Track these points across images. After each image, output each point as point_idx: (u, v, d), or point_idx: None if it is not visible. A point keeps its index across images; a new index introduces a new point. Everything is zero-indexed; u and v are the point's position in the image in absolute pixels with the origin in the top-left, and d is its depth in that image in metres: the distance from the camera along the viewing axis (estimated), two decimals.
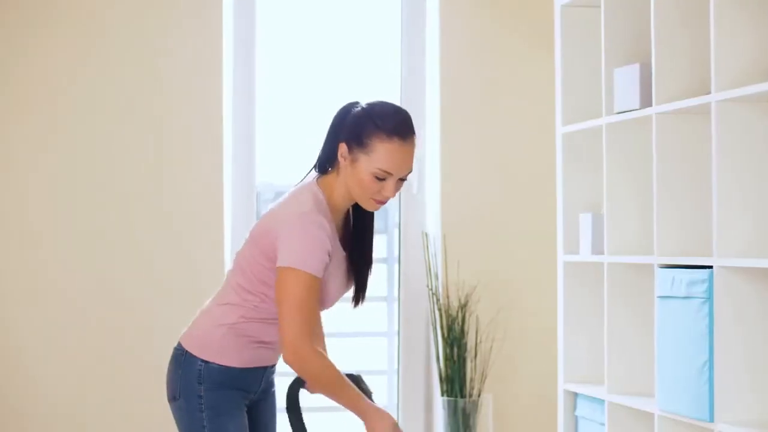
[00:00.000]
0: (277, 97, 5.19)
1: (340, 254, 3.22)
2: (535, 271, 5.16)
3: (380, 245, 5.36)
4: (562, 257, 4.58)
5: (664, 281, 3.84)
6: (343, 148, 3.15)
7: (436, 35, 5.16)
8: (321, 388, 3.16)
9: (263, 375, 3.31)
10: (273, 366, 3.36)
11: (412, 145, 3.14)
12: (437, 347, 5.05)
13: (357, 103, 3.20)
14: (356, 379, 3.32)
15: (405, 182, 3.19)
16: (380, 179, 3.11)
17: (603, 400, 4.28)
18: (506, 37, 5.20)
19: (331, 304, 3.28)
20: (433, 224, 5.21)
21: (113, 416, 4.90)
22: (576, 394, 4.54)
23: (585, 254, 4.43)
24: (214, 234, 4.95)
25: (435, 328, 5.07)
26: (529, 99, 5.20)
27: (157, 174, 4.94)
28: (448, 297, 5.06)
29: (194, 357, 3.25)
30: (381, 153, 3.10)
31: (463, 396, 5.01)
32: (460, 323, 5.03)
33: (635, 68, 4.09)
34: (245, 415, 3.28)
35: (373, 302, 5.30)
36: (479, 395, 5.04)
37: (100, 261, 4.91)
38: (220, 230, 4.96)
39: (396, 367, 5.28)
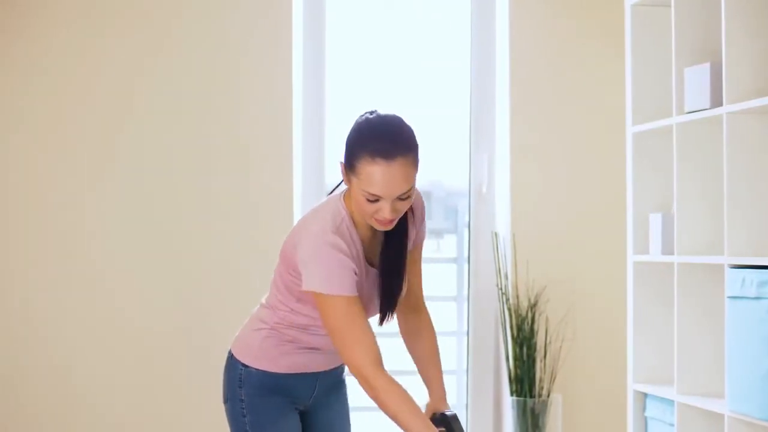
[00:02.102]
0: (346, 97, 5.21)
1: (367, 270, 3.11)
2: (604, 271, 5.14)
3: (450, 245, 5.37)
4: (631, 257, 4.56)
5: (735, 281, 3.81)
6: (341, 167, 3.03)
7: (506, 35, 5.15)
8: (390, 413, 2.98)
9: (315, 381, 3.24)
10: (332, 370, 3.29)
11: (402, 165, 2.93)
12: (506, 347, 5.05)
13: (365, 114, 3.04)
14: (448, 419, 3.18)
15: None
16: (373, 201, 2.96)
17: (672, 401, 4.26)
18: (576, 37, 5.18)
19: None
20: (502, 224, 5.20)
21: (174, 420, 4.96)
22: (645, 395, 4.52)
23: (655, 254, 4.41)
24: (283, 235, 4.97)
25: (504, 328, 5.07)
26: (599, 98, 5.18)
27: (225, 174, 4.96)
28: (517, 297, 5.06)
29: (236, 360, 3.23)
30: (366, 176, 2.93)
31: (532, 396, 5.00)
32: (530, 323, 5.02)
33: (706, 67, 4.07)
34: (292, 420, 3.21)
35: (442, 302, 5.34)
36: (548, 395, 5.03)
37: (166, 265, 4.94)
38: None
39: (465, 366, 5.29)
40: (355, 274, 3.01)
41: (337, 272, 2.97)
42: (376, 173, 2.93)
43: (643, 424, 4.54)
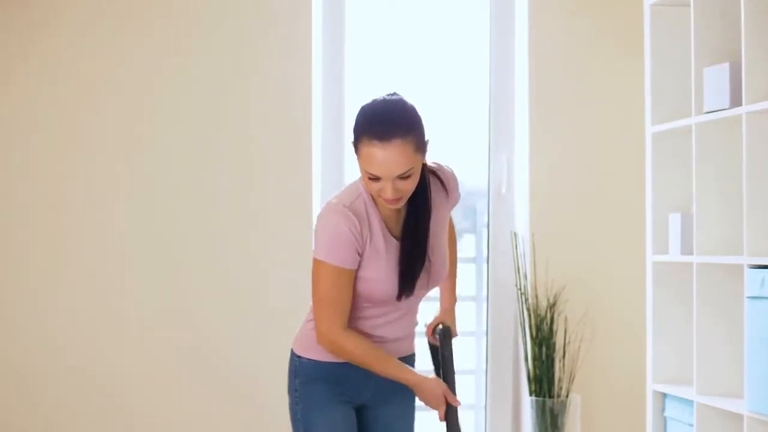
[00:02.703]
0: (366, 99, 5.19)
1: (390, 245, 3.20)
2: (623, 271, 5.14)
3: (469, 245, 5.37)
4: (651, 257, 4.56)
5: (754, 281, 3.81)
6: (353, 149, 3.15)
7: (525, 36, 5.15)
8: (364, 366, 3.19)
9: (370, 373, 3.26)
10: None
11: (399, 146, 3.04)
12: (525, 347, 5.05)
13: (377, 97, 3.18)
14: (446, 332, 3.34)
15: (407, 179, 3.08)
16: (374, 180, 3.08)
17: (692, 401, 4.26)
18: (595, 37, 5.18)
19: (383, 296, 3.21)
20: (521, 224, 5.21)
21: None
22: (665, 395, 4.52)
23: (674, 254, 4.41)
24: (304, 237, 4.98)
25: (523, 328, 5.08)
26: (618, 98, 5.17)
27: (245, 182, 4.97)
28: (536, 297, 5.06)
29: (293, 353, 3.34)
30: (365, 156, 3.06)
31: (551, 396, 5.00)
32: (549, 323, 5.02)
33: (725, 67, 4.07)
34: (342, 410, 3.28)
35: (461, 302, 5.31)
36: (567, 395, 5.03)
37: (183, 266, 4.95)
38: (310, 233, 4.99)
39: (484, 366, 5.29)
40: (358, 253, 3.14)
41: (335, 243, 3.12)
42: (374, 154, 3.05)
43: (662, 424, 4.53)
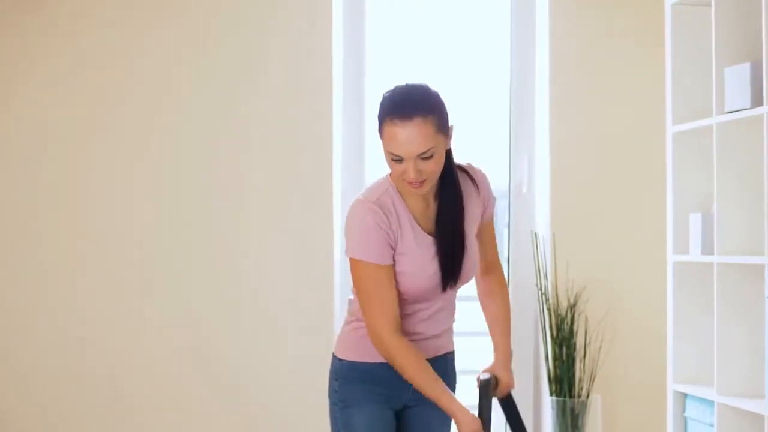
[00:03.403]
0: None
1: (420, 238, 3.21)
2: (644, 271, 5.13)
3: None
4: (671, 257, 4.55)
5: None
6: (379, 135, 3.18)
7: (546, 35, 5.15)
8: (403, 375, 3.18)
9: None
10: (431, 359, 3.31)
11: (419, 125, 3.07)
12: (546, 347, 5.05)
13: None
14: (486, 383, 3.27)
15: (425, 162, 3.08)
16: (397, 161, 3.10)
17: (712, 401, 4.25)
18: (616, 37, 5.17)
19: (418, 291, 3.22)
20: (542, 224, 5.20)
21: None
22: (685, 395, 4.51)
23: (695, 254, 4.41)
24: (323, 236, 4.99)
25: (544, 328, 5.07)
26: (639, 98, 5.17)
27: (265, 177, 4.98)
28: (557, 297, 5.06)
29: (334, 355, 3.35)
30: (386, 136, 3.09)
31: (571, 396, 5.00)
32: (569, 323, 5.02)
33: (746, 67, 4.06)
34: (380, 411, 3.27)
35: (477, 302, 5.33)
36: (588, 396, 5.03)
37: (204, 264, 4.97)
38: (330, 232, 4.99)
39: None
40: (391, 247, 3.16)
41: (366, 239, 3.15)
42: (395, 133, 3.07)
43: (683, 424, 4.52)
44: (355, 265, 3.17)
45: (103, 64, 4.92)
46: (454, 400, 3.17)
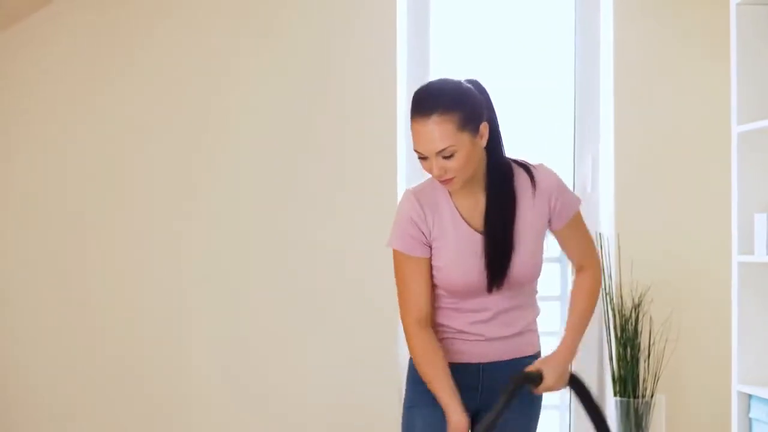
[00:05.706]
0: None
1: (461, 232, 3.18)
2: (709, 271, 5.11)
3: (553, 245, 5.33)
4: (736, 258, 4.53)
5: None
6: None
7: (610, 36, 5.15)
8: (415, 365, 3.19)
9: (479, 373, 3.26)
10: (502, 363, 3.27)
11: (438, 123, 3.02)
12: (610, 347, 5.04)
13: None
14: (516, 379, 3.12)
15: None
16: (423, 159, 3.08)
17: None
18: (680, 37, 5.16)
19: (458, 287, 3.19)
20: (607, 224, 5.20)
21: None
22: (750, 396, 4.49)
23: (760, 255, 4.38)
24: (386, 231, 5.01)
25: (608, 328, 5.07)
26: (703, 97, 5.15)
27: (333, 177, 5.02)
28: (621, 297, 5.05)
29: (410, 357, 3.30)
30: (413, 134, 3.07)
31: (636, 397, 4.99)
32: (634, 323, 5.01)
33: None
34: (443, 414, 3.17)
35: (546, 302, 5.32)
36: (652, 396, 5.02)
37: (265, 265, 5.01)
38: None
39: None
40: (424, 237, 3.15)
41: (399, 229, 3.18)
42: (416, 131, 3.06)
43: (748, 425, 4.50)
44: (394, 256, 3.21)
45: (168, 62, 5.00)
46: (453, 397, 3.12)
